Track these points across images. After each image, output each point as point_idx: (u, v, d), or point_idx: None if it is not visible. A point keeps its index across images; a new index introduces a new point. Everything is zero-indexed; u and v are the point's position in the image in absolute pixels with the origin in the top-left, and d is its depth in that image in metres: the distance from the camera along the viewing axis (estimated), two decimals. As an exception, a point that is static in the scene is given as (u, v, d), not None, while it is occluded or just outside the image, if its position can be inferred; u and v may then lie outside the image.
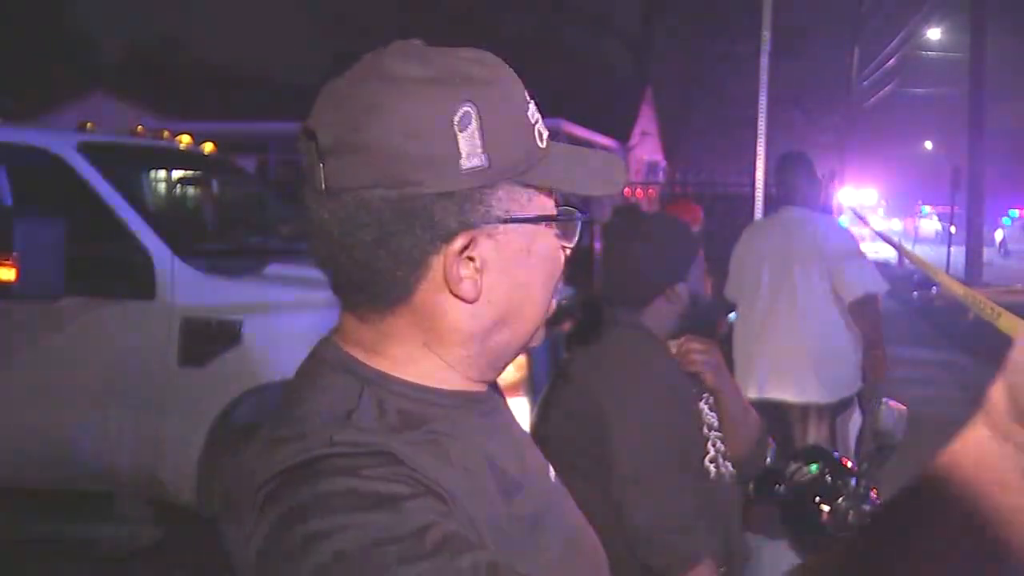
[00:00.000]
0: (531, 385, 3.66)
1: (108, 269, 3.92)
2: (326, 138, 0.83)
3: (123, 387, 3.86)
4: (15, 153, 4.19)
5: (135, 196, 4.22)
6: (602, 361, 2.02)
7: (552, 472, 1.06)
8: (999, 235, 31.01)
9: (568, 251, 0.96)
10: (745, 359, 3.82)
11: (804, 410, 3.67)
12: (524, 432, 1.07)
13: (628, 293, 2.15)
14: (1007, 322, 2.31)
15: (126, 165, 4.48)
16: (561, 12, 28.07)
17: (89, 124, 4.67)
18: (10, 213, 3.91)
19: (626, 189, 11.67)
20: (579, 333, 2.20)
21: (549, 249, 0.92)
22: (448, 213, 0.83)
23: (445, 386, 0.90)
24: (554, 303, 0.97)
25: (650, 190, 12.69)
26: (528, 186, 0.88)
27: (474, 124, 0.83)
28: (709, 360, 2.13)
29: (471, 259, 0.86)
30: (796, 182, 3.89)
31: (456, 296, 0.86)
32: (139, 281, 3.79)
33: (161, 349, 3.77)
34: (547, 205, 0.91)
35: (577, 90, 18.46)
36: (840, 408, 3.70)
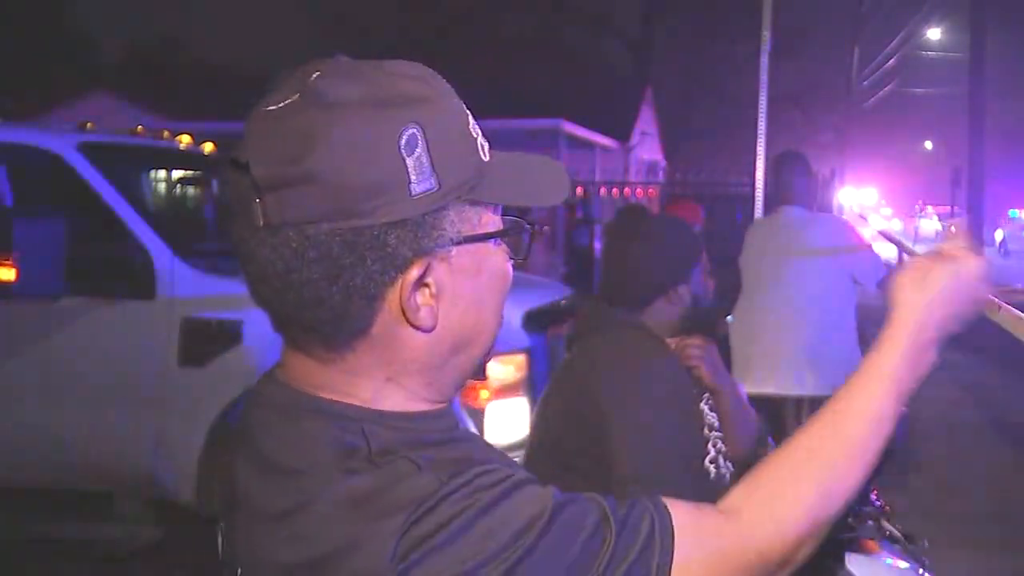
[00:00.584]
0: (531, 385, 3.66)
1: (108, 269, 3.91)
2: (262, 171, 0.77)
3: (123, 387, 3.86)
4: (15, 153, 4.19)
5: (135, 196, 4.22)
6: (601, 361, 2.02)
7: None
8: (999, 235, 31.00)
9: (515, 263, 0.92)
10: (743, 355, 3.84)
11: (799, 404, 3.68)
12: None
13: (628, 293, 2.15)
14: (1004, 316, 2.32)
15: (126, 165, 4.48)
16: (561, 12, 28.04)
17: (89, 124, 4.66)
18: (10, 213, 3.92)
19: (626, 189, 11.66)
20: (579, 333, 2.20)
21: (498, 265, 0.89)
22: (401, 242, 0.79)
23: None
24: (503, 318, 0.93)
25: (650, 190, 12.68)
26: (477, 203, 0.84)
27: (420, 146, 0.79)
28: (707, 358, 2.13)
29: (426, 285, 0.82)
30: (793, 181, 3.90)
31: (414, 326, 0.82)
32: (139, 281, 3.78)
33: (161, 349, 3.77)
34: (495, 220, 0.87)
35: (577, 90, 18.44)
36: None
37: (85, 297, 3.83)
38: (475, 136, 0.85)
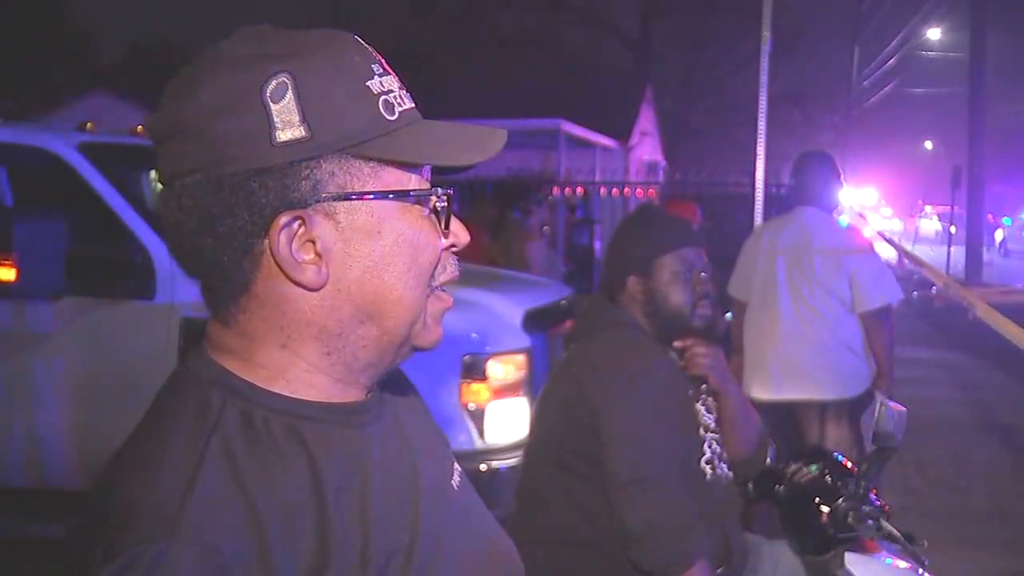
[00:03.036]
0: (531, 385, 3.66)
1: (108, 269, 3.91)
2: (153, 129, 0.81)
3: (123, 387, 3.86)
4: (15, 153, 4.18)
5: (135, 196, 4.21)
6: (596, 362, 2.01)
7: (456, 479, 0.98)
8: (999, 235, 30.99)
9: (453, 237, 0.87)
10: (758, 359, 3.77)
11: (822, 408, 3.65)
12: (424, 439, 0.97)
13: (601, 287, 2.18)
14: (985, 310, 2.32)
15: (126, 165, 4.48)
16: (561, 12, 28.03)
17: (89, 124, 4.66)
18: (10, 213, 3.91)
19: (626, 189, 11.64)
20: (576, 333, 2.20)
21: (411, 230, 0.83)
22: (267, 190, 0.77)
23: (316, 395, 0.83)
24: (443, 296, 0.88)
25: (650, 190, 12.67)
26: (371, 160, 0.81)
27: (290, 95, 0.77)
28: (714, 364, 2.13)
29: (312, 242, 0.80)
30: (811, 181, 3.83)
31: (297, 284, 0.80)
32: (139, 281, 3.78)
33: (161, 349, 3.77)
34: (402, 181, 0.83)
35: (577, 90, 18.43)
36: (859, 405, 3.68)
37: (85, 297, 3.83)
38: (377, 93, 0.81)
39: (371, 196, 0.81)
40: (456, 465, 1.00)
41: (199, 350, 0.87)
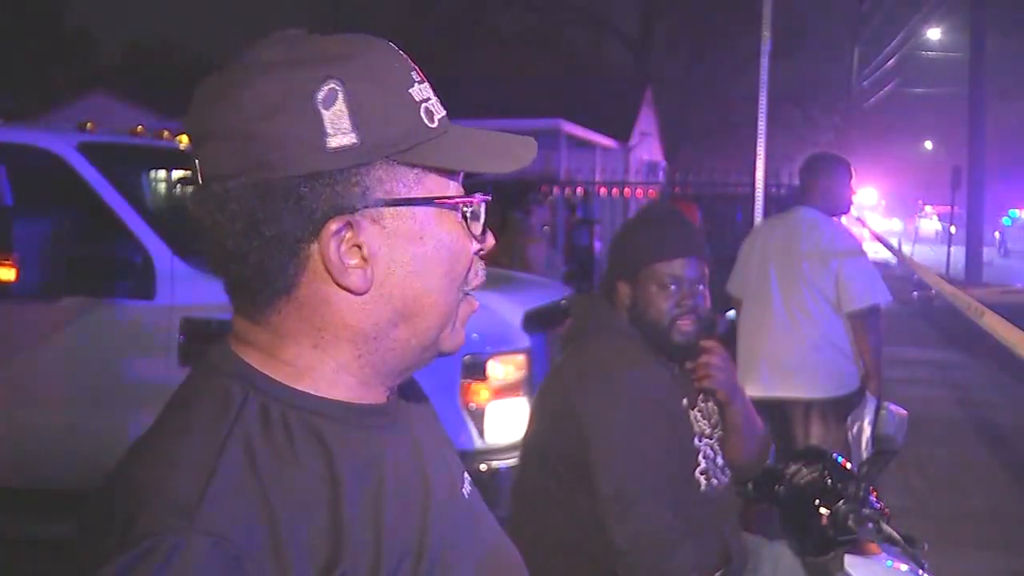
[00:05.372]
0: (531, 385, 3.66)
1: (108, 269, 3.91)
2: (192, 130, 0.81)
3: (123, 387, 3.85)
4: (15, 153, 4.18)
5: (135, 196, 4.21)
6: (583, 373, 1.97)
7: (466, 488, 0.99)
8: (999, 235, 30.97)
9: (483, 241, 0.89)
10: (749, 357, 3.81)
11: (807, 407, 3.67)
12: (435, 446, 0.97)
13: (601, 286, 2.15)
14: (990, 320, 2.31)
15: (126, 165, 4.48)
16: (561, 12, 28.03)
17: (89, 124, 4.66)
18: (10, 213, 3.91)
19: (626, 189, 11.64)
20: (571, 335, 2.18)
21: (449, 236, 0.85)
22: (316, 195, 0.78)
23: (339, 395, 0.84)
24: (472, 300, 0.90)
25: (650, 190, 12.66)
26: (415, 166, 0.83)
27: (341, 101, 0.78)
28: (726, 380, 2.09)
29: (358, 247, 0.81)
30: (813, 183, 3.84)
31: (343, 287, 0.81)
32: (139, 281, 3.78)
33: (161, 349, 3.76)
34: (442, 187, 0.85)
35: (577, 90, 18.43)
36: (846, 405, 3.69)
37: (85, 297, 3.83)
38: (419, 101, 0.83)
39: (419, 202, 0.83)
40: (466, 474, 1.01)
41: (222, 345, 0.87)
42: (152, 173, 5.11)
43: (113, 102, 18.87)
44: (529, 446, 2.09)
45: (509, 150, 0.89)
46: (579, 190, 11.23)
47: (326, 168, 0.78)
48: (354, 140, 0.78)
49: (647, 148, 21.79)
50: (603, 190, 11.58)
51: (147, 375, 3.83)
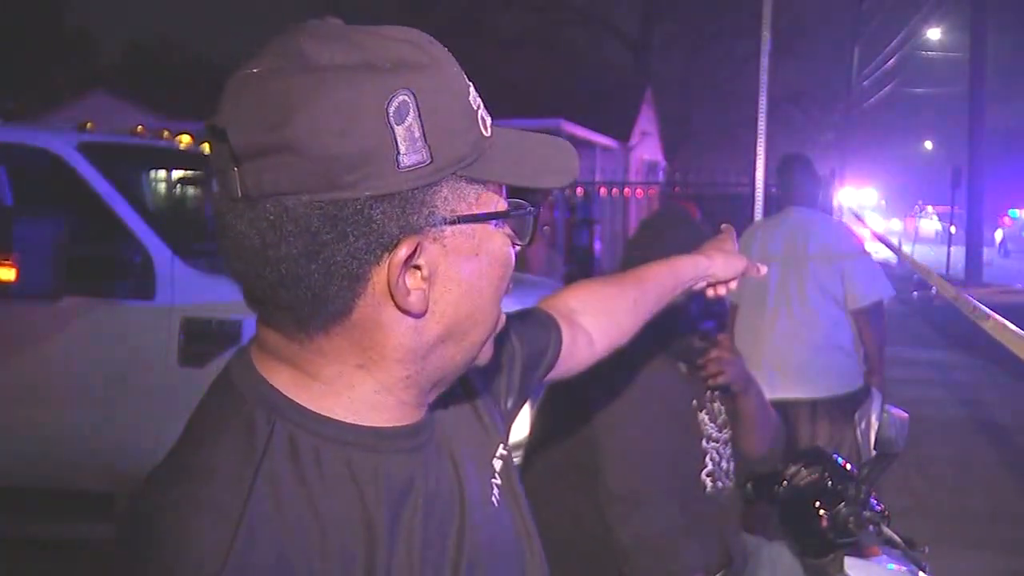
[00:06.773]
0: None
1: (108, 269, 3.91)
2: (240, 138, 0.71)
3: (123, 387, 3.85)
4: (15, 153, 4.18)
5: (135, 196, 4.21)
6: (596, 373, 1.98)
7: (495, 496, 0.95)
8: (999, 235, 30.98)
9: (518, 248, 0.86)
10: (752, 360, 3.78)
11: (813, 407, 3.67)
12: (469, 451, 0.93)
13: None
14: (993, 324, 2.30)
15: (126, 165, 4.48)
16: (561, 12, 28.04)
17: (89, 124, 4.66)
18: (10, 213, 3.91)
19: (626, 189, 11.64)
20: None
21: (499, 249, 0.81)
22: (388, 218, 0.72)
23: (374, 419, 0.80)
24: (502, 313, 0.87)
25: (650, 190, 12.67)
26: (475, 181, 0.78)
27: (412, 115, 0.72)
28: (739, 372, 2.09)
29: (417, 267, 0.75)
30: (799, 181, 3.91)
31: (402, 310, 0.75)
32: (139, 281, 3.78)
33: (161, 349, 3.76)
34: (497, 200, 0.80)
35: (577, 90, 18.44)
36: (852, 402, 3.69)
37: (85, 297, 3.83)
38: (476, 108, 0.78)
39: (483, 218, 0.79)
40: (495, 478, 0.96)
41: (243, 360, 0.81)
42: (152, 173, 5.11)
43: (113, 102, 18.86)
44: (532, 448, 2.09)
45: (562, 162, 0.86)
46: (579, 190, 11.23)
47: (398, 189, 0.72)
48: (425, 158, 0.73)
49: (647, 148, 21.80)
50: (603, 190, 11.58)
51: (147, 375, 3.83)
